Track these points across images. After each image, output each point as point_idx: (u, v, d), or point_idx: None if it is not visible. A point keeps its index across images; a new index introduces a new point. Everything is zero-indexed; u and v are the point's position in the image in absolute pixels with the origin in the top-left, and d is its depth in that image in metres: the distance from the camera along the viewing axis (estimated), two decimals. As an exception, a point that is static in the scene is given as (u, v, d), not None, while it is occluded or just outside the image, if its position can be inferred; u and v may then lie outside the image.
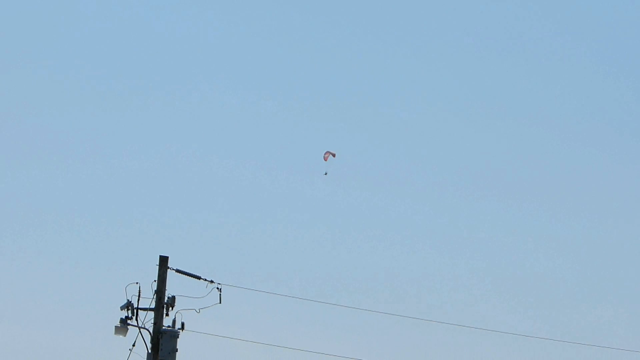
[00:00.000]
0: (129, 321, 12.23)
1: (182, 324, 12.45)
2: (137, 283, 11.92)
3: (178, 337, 12.36)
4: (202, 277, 12.63)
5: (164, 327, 12.30)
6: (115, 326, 12.22)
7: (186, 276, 12.65)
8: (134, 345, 12.24)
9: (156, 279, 12.25)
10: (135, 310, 12.24)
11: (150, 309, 12.34)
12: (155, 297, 12.25)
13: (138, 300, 12.11)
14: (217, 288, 12.48)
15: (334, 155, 19.48)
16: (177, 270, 12.58)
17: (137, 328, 12.26)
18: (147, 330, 12.29)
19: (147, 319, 12.28)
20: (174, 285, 12.36)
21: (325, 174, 21.07)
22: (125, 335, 12.20)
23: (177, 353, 12.30)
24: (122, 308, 12.21)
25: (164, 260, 12.44)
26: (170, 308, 12.32)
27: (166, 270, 12.44)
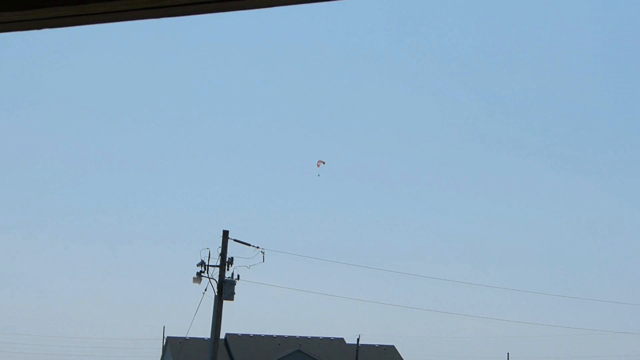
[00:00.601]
0: (202, 274, 18.42)
1: (238, 276, 18.53)
2: (207, 248, 18.21)
3: (235, 284, 18.33)
4: (251, 244, 18.69)
5: (225, 278, 18.31)
6: (193, 277, 18.47)
7: (240, 244, 18.76)
8: (205, 290, 18.37)
9: (220, 246, 18.44)
10: (206, 267, 18.45)
11: (217, 266, 18.52)
12: (219, 258, 18.38)
13: (208, 260, 18.45)
14: (262, 252, 18.44)
15: (323, 163, 27.32)
16: (235, 240, 18.74)
17: (208, 279, 18.42)
18: (214, 280, 18.40)
19: (214, 273, 18.40)
20: (233, 250, 18.78)
21: (319, 175, 29.70)
22: (199, 284, 18.41)
23: (234, 295, 18.21)
24: (197, 265, 18.51)
25: (225, 233, 18.70)
26: (230, 265, 18.41)
27: (227, 240, 18.66)
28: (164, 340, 49.10)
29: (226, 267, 18.51)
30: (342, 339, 49.41)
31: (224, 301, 18.09)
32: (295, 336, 49.25)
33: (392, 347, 50.33)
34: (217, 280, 18.54)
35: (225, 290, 18.29)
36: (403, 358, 49.60)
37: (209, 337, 18.09)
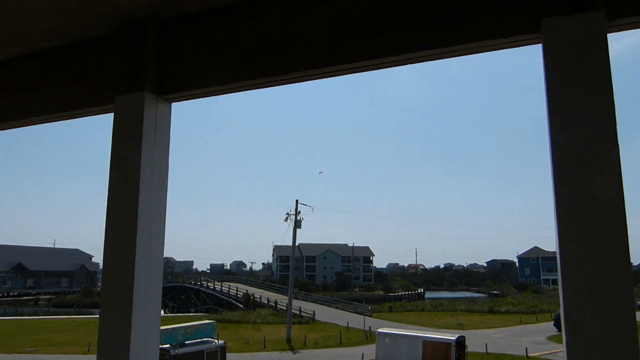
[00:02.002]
0: (288, 217, 42.64)
1: (303, 218, 43.02)
2: (290, 208, 42.32)
3: (301, 221, 42.52)
4: (307, 205, 42.84)
5: (297, 219, 42.37)
6: (284, 219, 42.63)
7: (303, 205, 42.75)
8: (289, 224, 42.78)
9: (295, 206, 42.38)
10: (289, 215, 42.66)
11: (294, 214, 42.69)
12: (295, 211, 42.36)
13: (290, 211, 42.52)
14: (311, 208, 42.59)
15: (322, 172, 55.75)
16: (301, 203, 42.84)
17: (290, 220, 42.66)
18: (293, 220, 42.59)
19: (292, 217, 42.55)
20: (300, 207, 43.24)
21: (320, 172, 60.30)
22: (287, 222, 42.61)
23: (301, 226, 42.36)
24: (286, 214, 42.82)
25: (297, 200, 42.83)
26: (299, 213, 42.46)
27: (297, 203, 42.60)
28: (273, 246, 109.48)
29: (297, 215, 42.45)
30: (346, 244, 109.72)
31: (297, 229, 42.00)
32: (327, 243, 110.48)
33: (367, 247, 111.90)
34: (294, 220, 42.68)
35: (297, 224, 42.30)
36: (372, 251, 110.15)
37: (291, 244, 42.08)
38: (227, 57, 1.82)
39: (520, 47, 1.54)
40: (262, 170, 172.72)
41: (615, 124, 1.30)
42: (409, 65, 1.65)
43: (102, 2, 1.87)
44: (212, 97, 1.98)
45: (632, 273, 1.25)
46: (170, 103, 1.95)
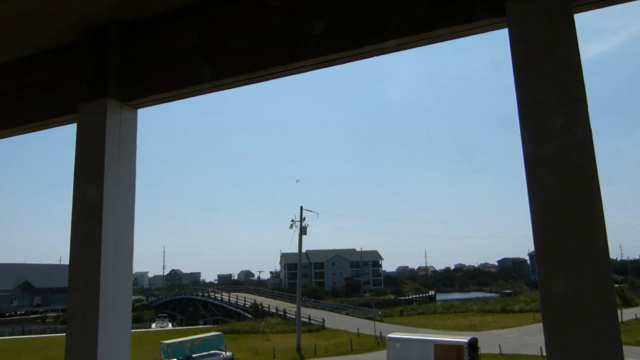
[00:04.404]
0: (292, 224, 42.57)
1: (308, 224, 42.82)
2: (295, 214, 42.37)
3: (307, 228, 42.44)
4: (312, 210, 42.66)
5: (303, 226, 42.30)
6: (289, 226, 42.56)
7: (308, 211, 42.67)
8: (294, 231, 42.66)
9: (299, 212, 42.32)
10: (294, 221, 42.58)
11: (299, 220, 42.53)
12: (300, 216, 42.27)
13: (295, 217, 42.42)
14: (317, 213, 42.54)
15: (298, 180, 57.96)
16: (305, 209, 42.69)
17: (295, 226, 42.56)
18: (298, 226, 42.45)
19: (297, 223, 42.41)
20: (305, 213, 43.22)
21: (297, 181, 62.75)
22: (292, 229, 42.51)
23: (307, 233, 42.26)
24: (290, 221, 42.69)
25: (301, 207, 42.68)
26: (304, 220, 42.27)
27: (302, 209, 42.50)
28: (280, 254, 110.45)
29: (302, 221, 42.36)
30: (354, 249, 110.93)
31: (303, 235, 41.89)
32: (334, 249, 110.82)
33: (376, 251, 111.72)
34: (299, 227, 42.60)
35: (302, 231, 42.22)
36: (381, 255, 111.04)
37: (297, 251, 42.02)
38: (193, 59, 1.79)
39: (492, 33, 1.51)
40: (266, 175, 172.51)
41: (587, 108, 1.25)
42: (410, 59, 1.61)
43: (64, 10, 1.84)
44: (187, 99, 1.95)
45: (612, 268, 1.19)
46: (136, 109, 1.92)
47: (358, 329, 41.62)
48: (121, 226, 1.74)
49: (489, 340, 33.64)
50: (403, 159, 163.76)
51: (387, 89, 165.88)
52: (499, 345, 31.37)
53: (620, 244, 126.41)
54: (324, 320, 45.33)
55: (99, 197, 1.68)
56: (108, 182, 1.71)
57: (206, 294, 71.46)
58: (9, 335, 54.37)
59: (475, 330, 39.92)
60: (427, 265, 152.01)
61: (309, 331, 41.83)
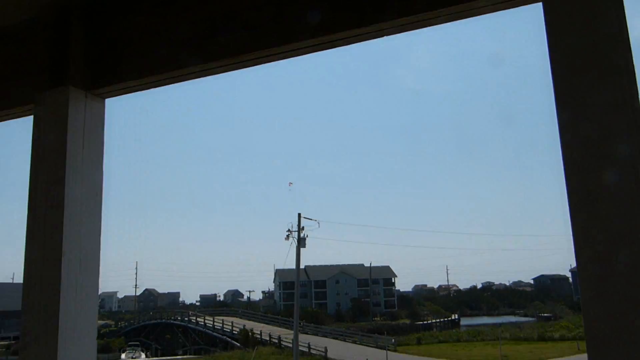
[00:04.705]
0: (289, 236, 42.59)
1: (307, 235, 42.92)
2: (290, 223, 42.56)
3: (306, 239, 42.43)
4: (312, 219, 42.77)
5: (301, 236, 42.31)
6: (284, 237, 42.72)
7: (307, 219, 42.80)
8: (291, 243, 42.81)
9: (297, 221, 42.42)
10: (291, 232, 42.61)
11: (296, 231, 42.58)
12: (297, 227, 42.33)
13: (292, 227, 42.60)
14: (317, 222, 42.62)
15: (291, 183, 58.79)
16: (304, 217, 42.81)
17: (292, 238, 42.62)
18: (295, 238, 42.51)
19: (295, 234, 42.52)
20: (303, 222, 43.92)
21: (290, 190, 64.04)
22: (288, 240, 42.66)
23: (306, 245, 42.32)
24: (286, 231, 42.80)
25: (299, 214, 42.85)
26: (302, 230, 42.39)
27: (300, 217, 42.65)
28: (275, 270, 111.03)
29: (301, 231, 42.43)
30: (362, 264, 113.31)
31: (301, 248, 41.96)
32: (339, 264, 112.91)
33: (388, 266, 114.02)
34: (297, 238, 42.63)
35: (301, 243, 42.26)
36: (394, 272, 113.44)
37: (295, 267, 42.20)
38: (171, 42, 1.81)
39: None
40: (257, 178, 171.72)
41: (637, 91, 1.26)
42: (430, 40, 1.63)
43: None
44: (168, 86, 1.97)
45: None
46: (104, 99, 1.94)
47: (367, 359, 41.62)
48: (86, 237, 1.75)
49: (524, 374, 33.61)
50: (419, 158, 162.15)
51: (399, 76, 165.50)
52: (536, 379, 31.36)
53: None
54: (326, 350, 45.36)
55: (60, 202, 1.70)
56: (71, 184, 1.73)
57: (186, 318, 71.54)
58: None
59: (507, 362, 39.89)
60: (449, 283, 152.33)
61: (309, 362, 41.85)
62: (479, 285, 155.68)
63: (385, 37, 1.64)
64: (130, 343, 63.96)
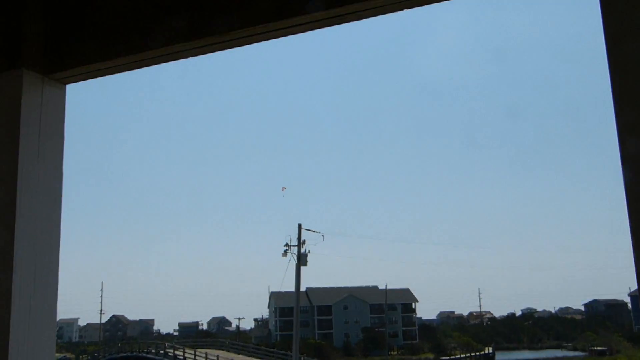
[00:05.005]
0: (287, 251, 42.77)
1: (309, 250, 43.07)
2: (289, 236, 42.83)
3: (307, 256, 42.56)
4: (315, 231, 42.97)
5: (302, 252, 42.44)
6: (282, 253, 42.88)
7: (309, 231, 43.01)
8: (289, 260, 43.00)
9: (297, 233, 42.62)
10: (289, 247, 42.76)
11: (295, 245, 42.79)
12: (297, 240, 42.50)
13: (291, 241, 42.77)
14: (322, 235, 42.73)
15: (285, 188, 60.15)
16: (305, 229, 42.96)
17: (291, 254, 42.79)
18: (294, 254, 42.70)
19: (294, 249, 42.75)
20: (304, 234, 44.58)
21: (283, 196, 65.82)
22: (286, 257, 42.86)
23: (307, 263, 42.50)
24: (284, 246, 42.96)
25: (300, 225, 43.08)
26: (303, 244, 42.58)
27: (301, 229, 42.84)
28: (269, 294, 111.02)
29: (301, 246, 42.58)
30: (376, 286, 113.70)
31: (301, 266, 42.07)
32: (347, 286, 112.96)
33: (407, 289, 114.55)
34: (297, 254, 42.75)
35: (302, 260, 42.37)
36: (415, 296, 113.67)
37: (295, 290, 42.33)
38: (140, 18, 1.82)
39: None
40: (248, 182, 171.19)
41: None
42: (458, 16, 1.63)
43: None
44: (129, 72, 1.98)
45: None
46: (64, 84, 1.96)
47: (382, 402, 41.57)
48: (42, 248, 1.76)
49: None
50: (443, 159, 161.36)
51: (420, 60, 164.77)
52: None
53: None
54: (332, 390, 45.36)
55: (10, 206, 1.71)
56: (24, 184, 1.74)
57: (162, 351, 71.60)
58: None
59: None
60: (482, 310, 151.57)
61: (311, 405, 41.84)
62: (518, 313, 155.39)
63: (405, 11, 1.64)
64: (94, 381, 64.03)
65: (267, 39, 1.73)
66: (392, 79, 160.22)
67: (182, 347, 72.78)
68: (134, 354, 74.49)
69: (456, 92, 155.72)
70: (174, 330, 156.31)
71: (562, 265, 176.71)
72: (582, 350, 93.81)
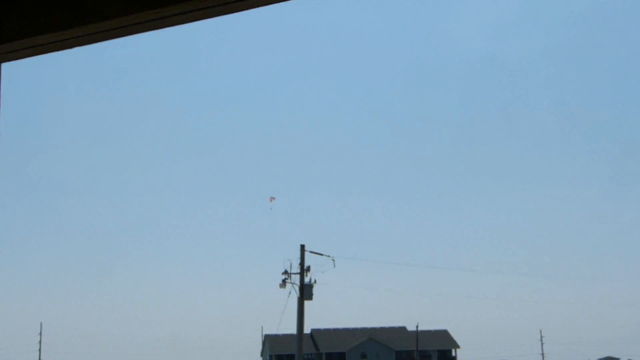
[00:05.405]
0: (286, 281, 42.97)
1: (315, 280, 43.23)
2: (289, 260, 42.89)
3: (313, 287, 42.75)
4: (323, 254, 43.09)
5: (305, 282, 42.60)
6: (279, 284, 43.00)
7: (315, 254, 43.15)
8: (290, 293, 43.13)
9: (299, 257, 42.80)
10: (289, 275, 42.91)
11: (297, 273, 42.94)
12: (299, 267, 42.66)
13: (290, 269, 42.85)
14: (332, 259, 42.87)
15: (273, 198, 55.50)
16: (310, 251, 43.13)
17: (291, 284, 42.91)
18: (296, 284, 42.86)
19: (296, 279, 42.90)
20: (309, 259, 44.53)
21: (271, 209, 62.68)
22: (285, 288, 42.99)
23: (313, 296, 42.57)
24: (282, 274, 43.03)
25: (302, 247, 43.11)
26: (308, 272, 42.78)
27: (304, 252, 43.00)
28: (263, 337, 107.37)
29: (305, 274, 42.80)
30: (404, 327, 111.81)
31: (305, 301, 42.21)
32: (366, 327, 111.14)
33: (445, 331, 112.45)
34: (299, 285, 42.98)
35: (305, 292, 42.56)
36: (455, 340, 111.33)
37: (296, 332, 42.31)
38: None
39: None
40: (236, 188, 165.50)
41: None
42: None
43: None
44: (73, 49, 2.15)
45: None
46: (0, 63, 2.10)
47: None
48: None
49: None
50: (493, 159, 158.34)
51: (457, 29, 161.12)
52: None
53: None
54: None
55: None
56: None
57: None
58: None
59: None
60: (545, 356, 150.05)
61: None
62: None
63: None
64: None
65: (211, 16, 1.96)
66: (429, 51, 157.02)
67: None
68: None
69: (501, 66, 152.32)
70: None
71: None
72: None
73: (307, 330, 51.42)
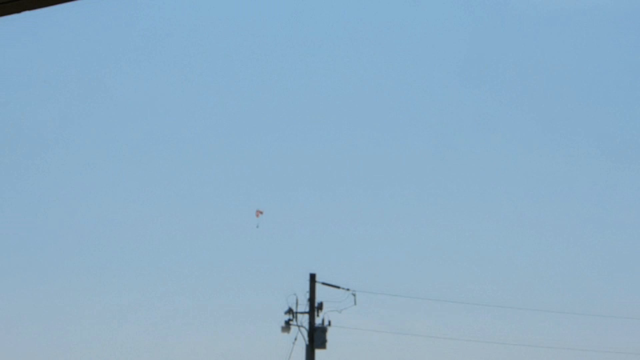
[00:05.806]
0: (291, 323, 32.12)
1: (329, 322, 32.27)
2: (294, 294, 31.83)
3: (327, 331, 32.03)
4: (341, 287, 32.20)
5: (316, 325, 31.92)
6: (281, 327, 32.18)
7: (329, 286, 32.26)
8: (295, 339, 32.23)
9: (308, 291, 31.92)
10: (295, 314, 32.06)
11: (306, 312, 32.13)
12: (308, 303, 31.93)
13: (296, 306, 32.00)
14: (353, 294, 31.99)
15: (262, 212, 41.41)
16: (323, 283, 32.27)
17: (297, 327, 32.12)
18: (304, 328, 32.08)
19: (303, 320, 32.09)
20: (321, 293, 32.57)
21: (257, 226, 45.32)
22: (289, 333, 32.12)
23: (327, 343, 31.95)
24: (285, 313, 32.15)
25: (312, 276, 32.19)
26: (320, 310, 31.98)
27: (315, 284, 32.18)
28: None
29: (316, 313, 32.15)
30: None
31: (316, 350, 31.78)
32: None
33: None
34: (307, 328, 32.28)
35: (316, 338, 31.98)
36: None
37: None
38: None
39: None
40: (223, 198, 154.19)
41: None
42: None
43: None
44: None
45: None
46: None
47: None
48: None
49: None
50: (564, 156, 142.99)
51: None
52: None
53: None
54: None
55: None
56: None
57: None
58: None
59: None
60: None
61: None
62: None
63: None
64: None
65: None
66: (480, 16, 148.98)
67: None
68: None
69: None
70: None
71: None
72: None
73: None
